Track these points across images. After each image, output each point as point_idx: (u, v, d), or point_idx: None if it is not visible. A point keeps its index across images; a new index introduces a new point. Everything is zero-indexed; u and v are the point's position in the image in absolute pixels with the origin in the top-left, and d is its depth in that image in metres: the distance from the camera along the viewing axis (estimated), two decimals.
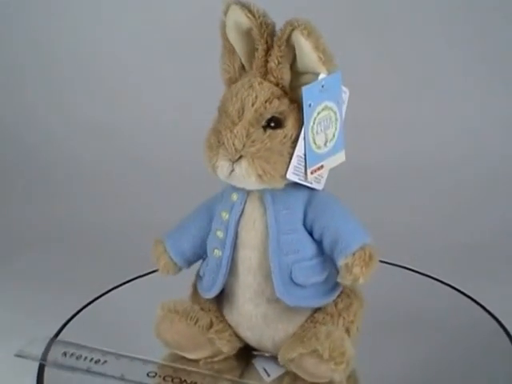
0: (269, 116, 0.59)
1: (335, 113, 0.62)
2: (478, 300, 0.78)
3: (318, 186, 0.63)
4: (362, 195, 1.11)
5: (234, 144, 0.58)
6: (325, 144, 0.62)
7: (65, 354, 0.69)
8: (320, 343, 0.61)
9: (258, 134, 0.59)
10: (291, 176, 0.60)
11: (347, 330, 0.65)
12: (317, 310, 0.65)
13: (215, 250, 0.65)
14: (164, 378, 0.65)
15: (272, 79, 0.60)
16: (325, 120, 0.61)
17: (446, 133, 1.38)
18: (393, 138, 1.36)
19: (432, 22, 1.41)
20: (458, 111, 1.40)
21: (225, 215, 0.64)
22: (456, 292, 0.81)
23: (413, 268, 0.88)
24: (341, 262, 0.60)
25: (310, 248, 0.63)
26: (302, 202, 0.63)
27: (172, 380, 0.65)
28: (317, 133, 0.60)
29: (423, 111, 1.41)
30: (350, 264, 0.59)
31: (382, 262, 0.86)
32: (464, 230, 1.11)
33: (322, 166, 0.62)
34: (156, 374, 0.66)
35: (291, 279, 0.62)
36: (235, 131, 0.59)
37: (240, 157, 0.59)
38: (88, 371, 0.66)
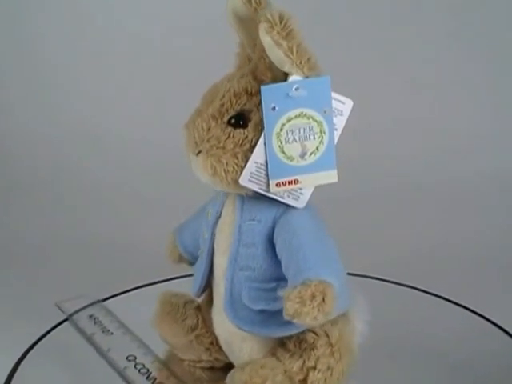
0: (233, 112, 0.54)
1: (320, 123, 0.53)
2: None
3: (296, 203, 0.55)
4: (363, 211, 1.08)
5: (194, 137, 0.54)
6: (302, 156, 0.54)
7: (91, 316, 0.72)
8: (239, 375, 0.55)
9: (217, 129, 0.54)
10: (247, 183, 0.54)
11: (305, 378, 0.56)
12: (282, 341, 0.57)
13: (201, 249, 0.61)
14: (135, 366, 0.64)
15: (257, 74, 0.54)
16: (301, 129, 0.53)
17: (446, 141, 1.31)
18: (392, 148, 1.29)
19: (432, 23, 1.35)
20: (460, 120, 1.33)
21: (209, 215, 0.60)
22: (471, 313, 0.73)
23: (423, 288, 0.79)
24: (280, 293, 0.52)
25: (268, 269, 0.55)
26: (271, 217, 0.55)
27: (139, 370, 0.63)
28: (287, 141, 0.53)
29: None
30: (285, 297, 0.50)
31: (389, 281, 0.80)
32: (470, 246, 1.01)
33: (296, 181, 0.54)
34: (135, 358, 0.65)
35: (240, 297, 0.56)
36: (196, 123, 0.54)
37: (199, 151, 0.54)
38: (88, 338, 0.68)
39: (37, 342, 0.65)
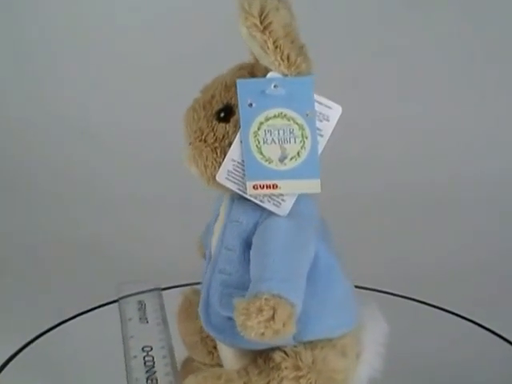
0: (221, 105, 0.51)
1: (301, 126, 0.49)
2: None
3: (277, 210, 0.51)
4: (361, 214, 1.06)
5: (187, 126, 0.53)
6: (281, 160, 0.50)
7: (140, 302, 0.72)
8: (191, 381, 0.52)
9: (204, 121, 0.52)
10: (223, 180, 0.51)
11: None
12: (254, 355, 0.54)
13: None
14: (145, 357, 0.63)
15: (254, 68, 0.52)
16: (280, 130, 0.49)
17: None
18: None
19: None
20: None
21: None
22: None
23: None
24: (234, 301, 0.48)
25: (244, 275, 0.51)
26: (254, 221, 0.52)
27: (145, 362, 0.63)
28: (265, 142, 0.50)
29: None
30: (235, 307, 0.47)
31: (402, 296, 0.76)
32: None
33: (275, 186, 0.50)
34: (150, 350, 0.65)
35: (214, 300, 0.53)
36: (189, 113, 0.53)
37: (190, 142, 0.53)
38: (123, 322, 0.69)
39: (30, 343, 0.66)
